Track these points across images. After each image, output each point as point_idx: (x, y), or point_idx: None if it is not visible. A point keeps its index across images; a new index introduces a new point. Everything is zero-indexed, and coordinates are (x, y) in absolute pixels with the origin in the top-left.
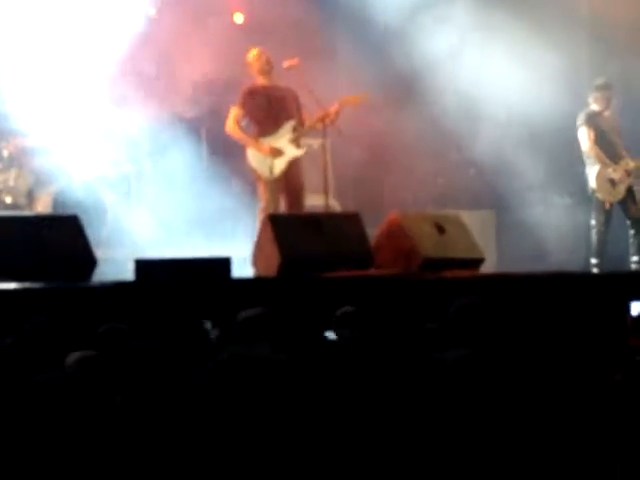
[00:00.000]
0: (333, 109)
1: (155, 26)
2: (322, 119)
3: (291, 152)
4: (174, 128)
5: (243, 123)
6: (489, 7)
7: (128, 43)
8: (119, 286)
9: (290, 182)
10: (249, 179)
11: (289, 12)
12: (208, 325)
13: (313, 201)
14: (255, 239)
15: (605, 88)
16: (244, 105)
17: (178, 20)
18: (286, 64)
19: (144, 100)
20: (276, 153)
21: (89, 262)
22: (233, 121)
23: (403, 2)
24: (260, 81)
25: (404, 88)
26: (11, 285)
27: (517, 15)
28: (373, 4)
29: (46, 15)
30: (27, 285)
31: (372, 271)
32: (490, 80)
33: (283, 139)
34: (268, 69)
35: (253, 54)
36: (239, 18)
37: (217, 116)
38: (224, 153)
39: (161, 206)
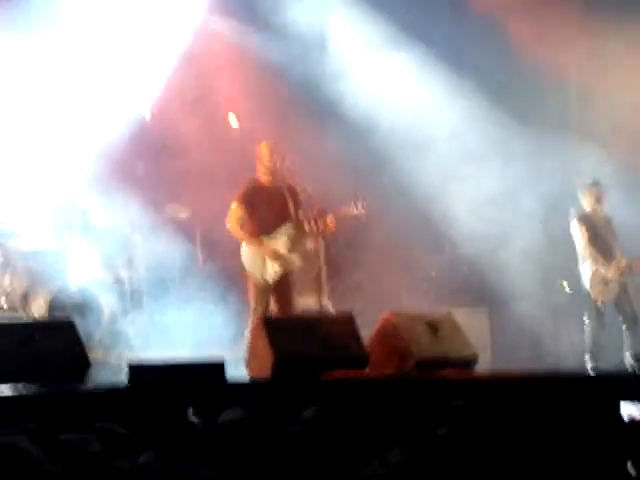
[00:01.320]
0: (329, 220)
1: (148, 124)
2: (319, 231)
3: (287, 256)
4: (168, 229)
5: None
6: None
7: (120, 142)
8: (113, 390)
9: (282, 287)
10: (243, 281)
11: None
12: (191, 413)
13: (306, 302)
14: (248, 341)
15: (594, 185)
16: (244, 203)
17: (173, 120)
18: (279, 163)
19: (134, 200)
20: (277, 257)
21: (83, 365)
22: (234, 219)
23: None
24: (263, 178)
25: (398, 191)
26: (3, 390)
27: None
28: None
29: (37, 114)
30: (20, 390)
31: (367, 372)
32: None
33: (280, 241)
34: (275, 169)
35: (264, 149)
36: (233, 119)
37: (212, 215)
38: (219, 254)
39: (155, 309)
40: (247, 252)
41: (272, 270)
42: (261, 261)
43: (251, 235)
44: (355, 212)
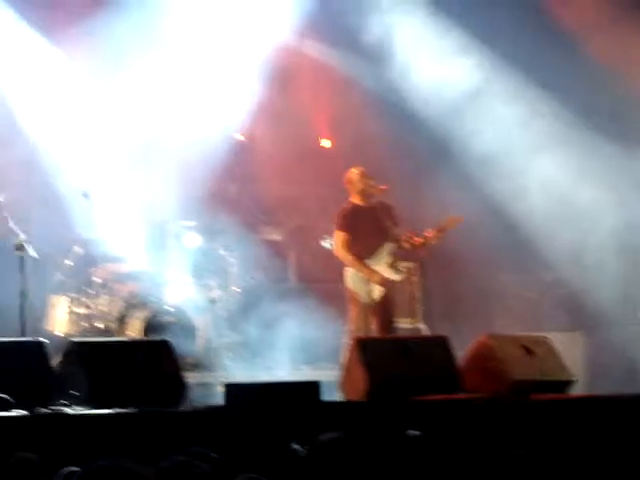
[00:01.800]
0: (430, 234)
1: (242, 147)
2: (419, 245)
3: (390, 277)
4: (259, 250)
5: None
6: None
7: (213, 164)
8: (209, 410)
9: (384, 306)
10: (336, 302)
11: (377, 137)
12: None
13: (401, 324)
14: (342, 362)
15: None
16: (346, 227)
17: (266, 141)
18: (374, 189)
19: (228, 221)
20: (381, 278)
21: (180, 387)
22: (341, 244)
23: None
24: (358, 201)
25: (489, 211)
26: (104, 410)
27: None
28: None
29: (134, 137)
30: (119, 410)
31: (461, 394)
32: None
33: (381, 263)
34: (369, 192)
35: (356, 174)
36: (327, 143)
37: (305, 237)
38: (311, 275)
39: (249, 330)
40: (352, 273)
41: (377, 288)
42: (366, 281)
43: (356, 258)
44: (454, 222)
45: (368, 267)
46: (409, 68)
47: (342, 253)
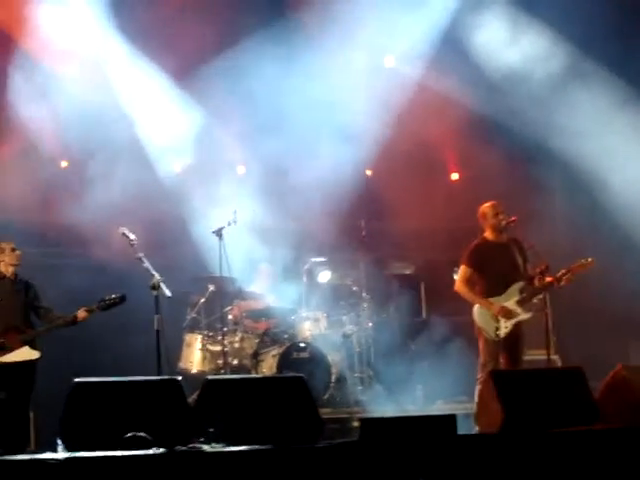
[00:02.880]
0: (561, 275)
1: (371, 183)
2: (549, 285)
3: (520, 315)
4: (390, 285)
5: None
6: None
7: (343, 200)
8: (345, 446)
9: (512, 342)
10: (469, 335)
11: (504, 170)
12: None
13: (534, 356)
14: (477, 395)
15: None
16: (473, 263)
17: (395, 177)
18: (505, 221)
19: (360, 257)
20: (506, 314)
21: (316, 423)
22: (462, 279)
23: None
24: (490, 236)
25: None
26: (240, 447)
27: None
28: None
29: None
30: (255, 447)
31: (598, 425)
32: None
33: (511, 300)
34: (500, 227)
35: (489, 208)
36: (455, 176)
37: (435, 271)
38: (442, 309)
39: (382, 365)
40: (478, 309)
41: (503, 326)
42: (492, 317)
43: (480, 295)
44: (588, 266)
45: (486, 300)
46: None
47: (461, 287)
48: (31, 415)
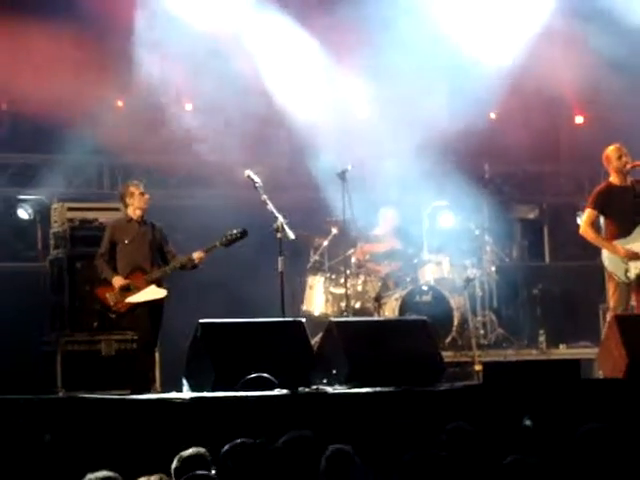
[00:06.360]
0: None
1: (495, 126)
2: None
3: None
4: (514, 229)
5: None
6: None
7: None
8: (468, 389)
9: None
10: (594, 280)
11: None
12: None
13: None
14: (601, 340)
15: None
16: (599, 206)
17: (518, 119)
18: (629, 165)
19: (483, 201)
20: (633, 256)
21: (438, 366)
22: (587, 223)
23: None
24: (615, 180)
25: None
26: (363, 389)
27: None
28: None
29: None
30: (377, 389)
31: None
32: None
33: (638, 242)
34: (625, 170)
35: (613, 151)
36: (580, 119)
37: (560, 215)
38: (567, 253)
39: (505, 309)
40: (607, 252)
41: (633, 267)
42: (621, 260)
43: (607, 238)
44: None
45: (612, 244)
46: None
47: (586, 230)
48: (157, 355)
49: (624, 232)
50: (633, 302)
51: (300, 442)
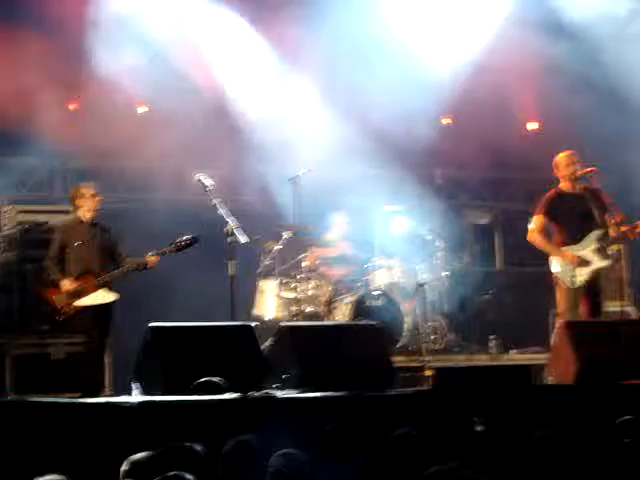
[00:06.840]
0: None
1: (447, 132)
2: (624, 234)
3: (597, 263)
4: (465, 234)
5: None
6: None
7: (420, 150)
8: (418, 394)
9: (591, 291)
10: (544, 285)
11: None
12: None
13: (608, 307)
14: (552, 346)
15: None
16: (548, 213)
17: (472, 125)
18: (579, 172)
19: (434, 206)
20: (581, 263)
21: (389, 371)
22: (536, 229)
23: None
24: (565, 187)
25: None
26: (313, 394)
27: None
28: None
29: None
30: (328, 393)
31: None
32: None
33: (588, 249)
34: (574, 177)
35: (563, 158)
36: (534, 126)
37: (511, 221)
38: (517, 259)
39: (456, 314)
40: (555, 259)
41: (579, 274)
42: (570, 266)
43: (556, 244)
44: None
45: (559, 250)
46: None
47: (535, 237)
48: (107, 359)
49: (573, 239)
50: (580, 309)
51: (242, 447)
